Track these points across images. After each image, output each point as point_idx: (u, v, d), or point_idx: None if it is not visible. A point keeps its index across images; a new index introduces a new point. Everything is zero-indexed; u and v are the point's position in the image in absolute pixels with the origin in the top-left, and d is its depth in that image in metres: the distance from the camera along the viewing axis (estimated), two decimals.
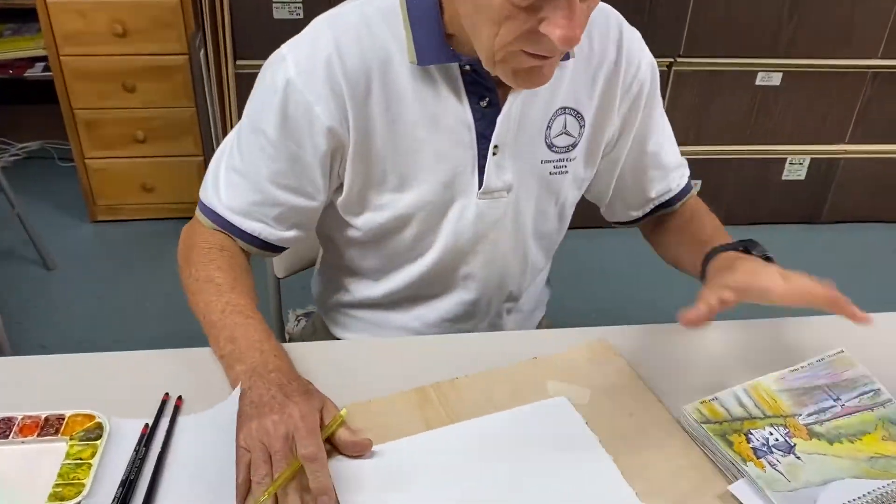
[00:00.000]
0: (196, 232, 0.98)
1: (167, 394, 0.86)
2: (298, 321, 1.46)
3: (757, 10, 2.34)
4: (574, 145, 1.02)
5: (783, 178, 2.69)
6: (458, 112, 0.94)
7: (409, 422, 0.84)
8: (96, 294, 2.30)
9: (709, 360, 0.96)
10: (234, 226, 0.96)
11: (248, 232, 0.96)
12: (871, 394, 0.88)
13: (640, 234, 1.23)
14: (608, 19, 1.00)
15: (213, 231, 0.97)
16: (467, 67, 0.91)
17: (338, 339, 1.16)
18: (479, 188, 0.98)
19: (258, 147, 0.93)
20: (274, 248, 1.00)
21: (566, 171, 1.04)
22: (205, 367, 0.91)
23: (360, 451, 0.79)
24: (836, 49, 2.45)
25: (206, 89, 2.30)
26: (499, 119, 0.94)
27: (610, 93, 1.00)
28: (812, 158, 2.66)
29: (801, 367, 0.91)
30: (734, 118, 2.55)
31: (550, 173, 1.02)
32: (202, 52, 2.21)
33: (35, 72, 2.73)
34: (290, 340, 1.37)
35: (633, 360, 0.94)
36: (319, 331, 1.21)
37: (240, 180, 0.95)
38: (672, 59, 2.39)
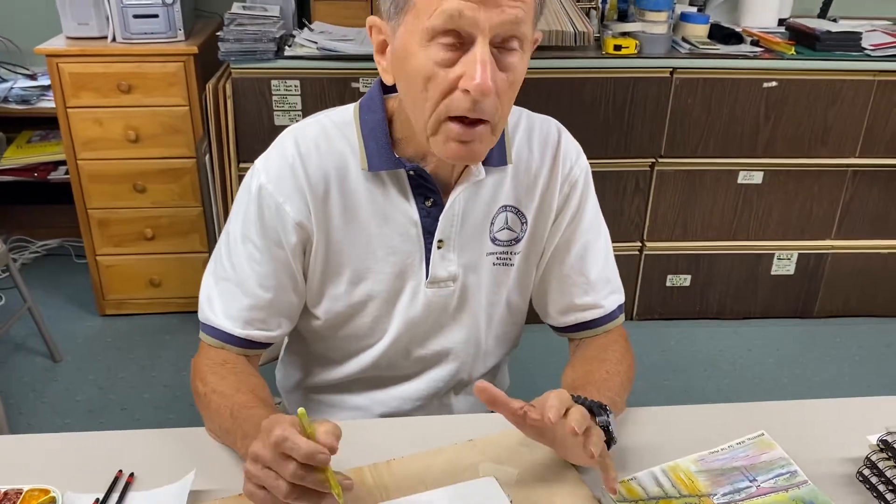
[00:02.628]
0: (201, 355, 1.06)
1: (120, 471, 0.93)
2: (279, 404, 1.52)
3: (733, 112, 2.46)
4: (517, 240, 1.10)
5: (772, 272, 2.74)
6: (406, 210, 1.03)
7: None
8: (98, 385, 2.38)
9: (637, 441, 1.00)
10: (232, 336, 1.04)
11: (245, 338, 1.04)
12: (787, 475, 0.92)
13: None
14: (549, 128, 1.11)
15: (215, 349, 1.05)
16: (411, 172, 1.01)
17: None
18: (427, 278, 1.06)
19: (247, 255, 1.03)
20: (267, 346, 1.08)
21: (511, 264, 1.12)
22: (161, 448, 0.98)
23: (333, 439, 0.78)
24: (814, 148, 2.54)
25: (211, 190, 2.44)
26: (441, 216, 1.04)
27: (548, 194, 1.09)
28: (800, 254, 2.72)
29: (721, 448, 0.96)
30: (719, 215, 2.63)
31: (494, 264, 1.11)
32: (207, 156, 2.36)
33: (58, 174, 2.89)
34: None
35: None
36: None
37: (233, 288, 1.04)
38: (654, 159, 2.50)
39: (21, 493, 0.89)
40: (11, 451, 0.98)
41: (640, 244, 2.63)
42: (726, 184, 2.58)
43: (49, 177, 2.89)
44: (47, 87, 2.70)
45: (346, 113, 1.05)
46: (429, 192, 1.03)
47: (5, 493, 0.89)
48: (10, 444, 1.01)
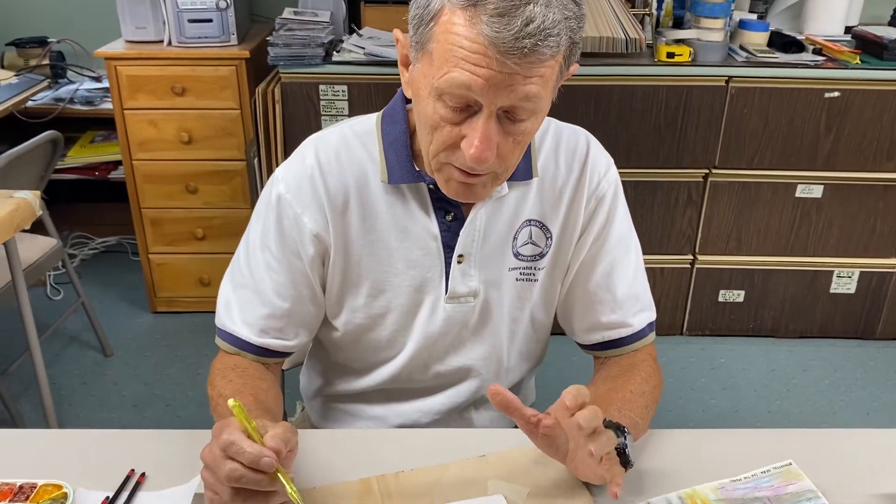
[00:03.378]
0: (216, 359, 1.07)
1: (132, 470, 0.94)
2: (304, 410, 1.52)
3: (792, 122, 2.37)
4: (542, 255, 1.07)
5: (832, 290, 2.63)
6: (426, 224, 1.02)
7: None
8: (145, 381, 2.43)
9: (655, 465, 0.96)
10: (248, 343, 1.04)
11: (261, 346, 1.04)
12: None
13: None
14: (577, 140, 1.07)
15: (229, 355, 1.05)
16: (431, 186, 0.99)
17: (315, 427, 1.21)
18: (446, 293, 1.04)
19: (265, 263, 1.03)
20: (285, 355, 1.08)
21: (535, 279, 1.08)
22: (174, 449, 0.98)
23: (279, 443, 0.78)
24: (879, 162, 2.43)
25: (260, 193, 2.47)
26: (462, 231, 1.01)
27: (574, 209, 1.06)
28: (861, 272, 2.60)
29: (745, 477, 0.91)
30: (775, 229, 2.54)
31: (517, 279, 1.07)
32: (256, 159, 2.39)
33: (117, 174, 2.98)
34: None
35: None
36: (305, 420, 1.27)
37: (250, 296, 1.04)
38: (707, 170, 2.42)
39: (35, 488, 0.90)
40: (29, 445, 1.00)
41: (691, 257, 2.55)
42: (784, 197, 2.48)
43: (109, 176, 2.98)
44: (109, 89, 2.79)
45: (369, 123, 1.03)
46: (449, 206, 1.01)
47: (20, 487, 0.91)
48: (28, 439, 1.03)
